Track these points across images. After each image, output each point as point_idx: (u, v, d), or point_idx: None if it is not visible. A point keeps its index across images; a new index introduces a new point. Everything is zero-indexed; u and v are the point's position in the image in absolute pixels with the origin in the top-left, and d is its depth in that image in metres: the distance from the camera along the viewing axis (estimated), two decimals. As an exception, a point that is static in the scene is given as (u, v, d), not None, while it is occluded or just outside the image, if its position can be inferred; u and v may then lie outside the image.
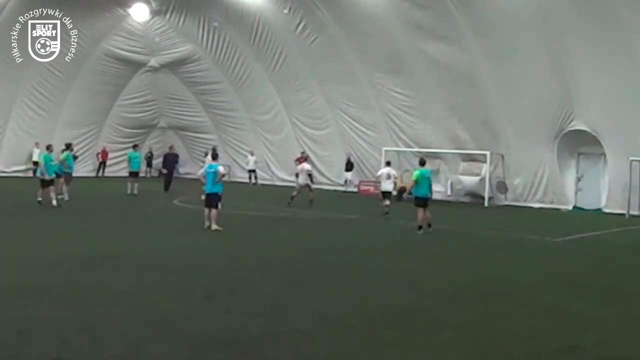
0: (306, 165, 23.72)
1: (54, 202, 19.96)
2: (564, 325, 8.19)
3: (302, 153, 32.89)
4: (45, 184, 20.14)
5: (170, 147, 29.01)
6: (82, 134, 35.11)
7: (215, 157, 17.58)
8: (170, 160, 28.21)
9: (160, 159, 39.34)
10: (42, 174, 20.34)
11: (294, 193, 22.81)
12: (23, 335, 7.06)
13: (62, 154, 22.33)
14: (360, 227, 18.54)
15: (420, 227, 16.50)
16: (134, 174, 25.64)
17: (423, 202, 16.57)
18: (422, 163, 17.47)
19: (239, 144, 36.38)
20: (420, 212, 16.56)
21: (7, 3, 28.67)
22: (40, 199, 20.12)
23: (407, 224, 17.60)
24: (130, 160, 26.03)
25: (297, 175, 23.99)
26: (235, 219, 17.84)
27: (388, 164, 22.80)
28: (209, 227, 15.88)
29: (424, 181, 16.72)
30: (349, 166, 31.37)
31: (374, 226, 18.74)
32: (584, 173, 26.04)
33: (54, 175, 20.41)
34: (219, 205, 16.03)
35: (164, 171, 28.19)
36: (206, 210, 16.14)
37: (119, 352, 6.58)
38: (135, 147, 28.06)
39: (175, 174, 29.17)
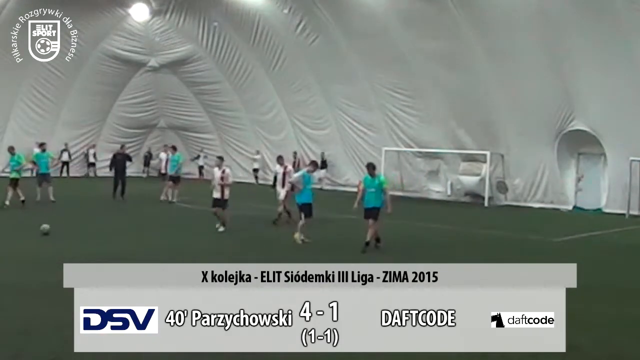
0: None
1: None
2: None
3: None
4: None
5: (122, 147, 26.15)
6: (82, 134, 35.10)
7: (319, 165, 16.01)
8: (119, 160, 24.70)
9: (160, 159, 39.32)
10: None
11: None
12: (24, 335, 7.07)
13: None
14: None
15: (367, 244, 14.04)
16: (174, 179, 23.51)
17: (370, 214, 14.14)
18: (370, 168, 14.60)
19: (239, 144, 36.37)
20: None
21: (7, 3, 28.69)
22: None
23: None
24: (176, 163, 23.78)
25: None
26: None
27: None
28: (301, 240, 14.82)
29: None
30: (324, 164, 31.23)
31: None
32: (584, 173, 26.01)
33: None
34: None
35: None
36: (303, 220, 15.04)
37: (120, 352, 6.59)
38: (174, 149, 25.61)
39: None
